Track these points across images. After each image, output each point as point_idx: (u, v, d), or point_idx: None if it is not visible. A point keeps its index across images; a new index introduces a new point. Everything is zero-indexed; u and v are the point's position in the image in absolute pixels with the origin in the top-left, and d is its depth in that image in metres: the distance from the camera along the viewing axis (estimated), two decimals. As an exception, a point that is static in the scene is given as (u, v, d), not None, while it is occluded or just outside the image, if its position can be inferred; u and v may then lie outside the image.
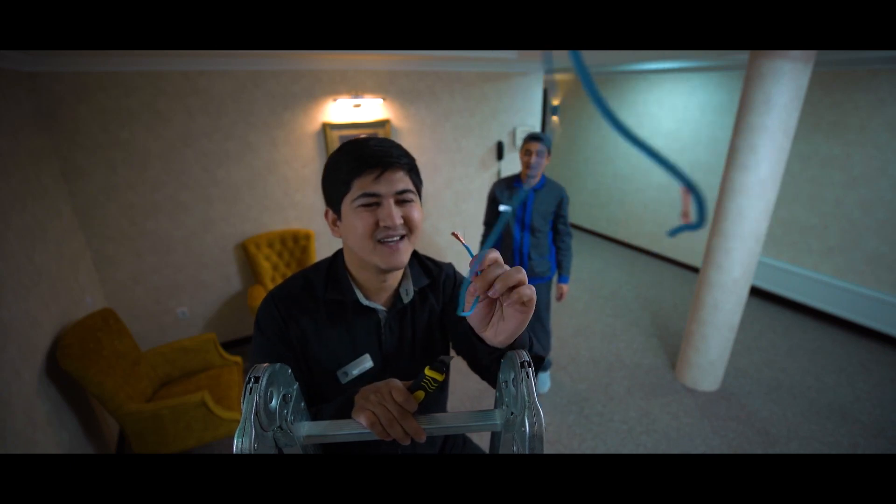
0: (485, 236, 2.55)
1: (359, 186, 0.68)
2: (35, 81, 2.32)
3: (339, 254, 0.83)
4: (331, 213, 0.76)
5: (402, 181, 0.70)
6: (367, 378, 0.79)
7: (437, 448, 0.97)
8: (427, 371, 0.58)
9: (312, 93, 3.14)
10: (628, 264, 4.98)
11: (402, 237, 0.72)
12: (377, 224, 0.69)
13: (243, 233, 3.18)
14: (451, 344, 0.87)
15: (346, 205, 0.71)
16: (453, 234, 0.59)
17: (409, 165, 0.72)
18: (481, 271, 0.50)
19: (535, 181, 2.35)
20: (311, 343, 0.78)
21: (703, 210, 0.31)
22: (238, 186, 3.07)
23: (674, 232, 0.37)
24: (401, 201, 0.71)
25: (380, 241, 0.70)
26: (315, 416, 0.66)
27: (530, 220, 2.37)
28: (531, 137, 2.24)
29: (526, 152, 2.26)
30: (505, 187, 2.41)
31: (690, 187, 0.30)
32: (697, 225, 0.33)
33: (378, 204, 0.69)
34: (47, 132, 2.41)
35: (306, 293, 0.79)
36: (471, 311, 0.52)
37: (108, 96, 2.53)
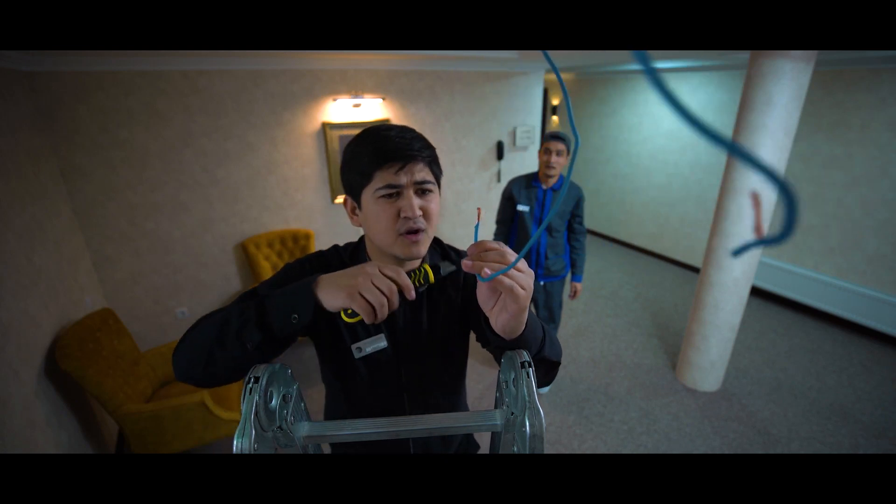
0: (497, 234, 2.53)
1: (380, 178, 0.70)
2: (34, 81, 2.32)
3: (363, 238, 0.85)
4: (350, 201, 0.78)
5: (422, 172, 0.72)
6: (380, 357, 0.82)
7: (453, 448, 0.98)
8: (425, 265, 0.67)
9: (312, 92, 3.13)
10: (628, 264, 4.98)
11: (420, 229, 0.73)
12: (398, 214, 0.71)
13: (243, 233, 3.18)
14: (476, 336, 0.87)
15: (367, 195, 0.72)
16: (478, 209, 0.62)
17: (430, 157, 0.74)
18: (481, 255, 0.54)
19: (554, 181, 2.33)
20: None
21: (793, 215, 0.21)
22: (238, 186, 3.06)
23: (739, 251, 0.26)
24: (420, 191, 0.72)
25: (400, 234, 0.71)
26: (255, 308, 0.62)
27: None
28: (553, 136, 2.21)
29: (546, 151, 2.23)
30: (523, 186, 2.38)
31: (778, 182, 0.20)
32: (780, 238, 0.23)
33: (399, 195, 0.71)
34: (46, 132, 2.40)
35: (338, 264, 0.82)
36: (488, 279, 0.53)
37: (107, 96, 2.52)
